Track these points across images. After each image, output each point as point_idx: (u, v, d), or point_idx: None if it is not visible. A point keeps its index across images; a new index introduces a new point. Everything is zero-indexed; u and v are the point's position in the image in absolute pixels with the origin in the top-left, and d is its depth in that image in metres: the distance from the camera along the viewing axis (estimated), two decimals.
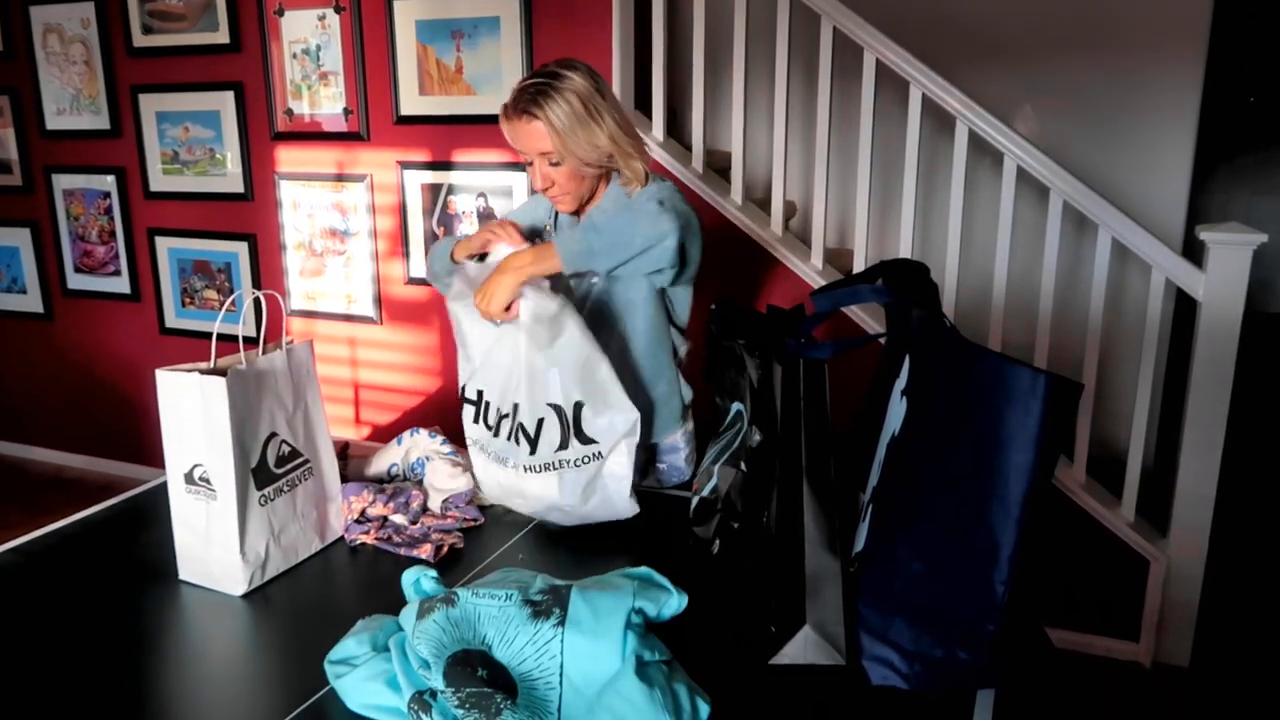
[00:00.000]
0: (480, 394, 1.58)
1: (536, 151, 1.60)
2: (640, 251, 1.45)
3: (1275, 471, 3.82)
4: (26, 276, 4.08)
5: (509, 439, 1.53)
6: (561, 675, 0.98)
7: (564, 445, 1.47)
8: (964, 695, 1.10)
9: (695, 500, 1.44)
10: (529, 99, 1.56)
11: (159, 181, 3.69)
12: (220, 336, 1.35)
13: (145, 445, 4.02)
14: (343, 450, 1.72)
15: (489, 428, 1.56)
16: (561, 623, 0.99)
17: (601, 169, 1.65)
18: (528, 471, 1.51)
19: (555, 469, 1.48)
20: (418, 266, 3.35)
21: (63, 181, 3.88)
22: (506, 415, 1.53)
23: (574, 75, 1.57)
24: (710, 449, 1.46)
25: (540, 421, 1.48)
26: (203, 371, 1.29)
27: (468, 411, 1.61)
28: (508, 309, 1.45)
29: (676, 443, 1.82)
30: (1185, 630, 2.67)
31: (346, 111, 3.31)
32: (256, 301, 1.43)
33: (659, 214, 1.46)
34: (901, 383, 1.14)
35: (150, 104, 3.61)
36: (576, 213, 1.72)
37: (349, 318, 3.51)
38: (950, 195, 2.71)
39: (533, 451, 1.49)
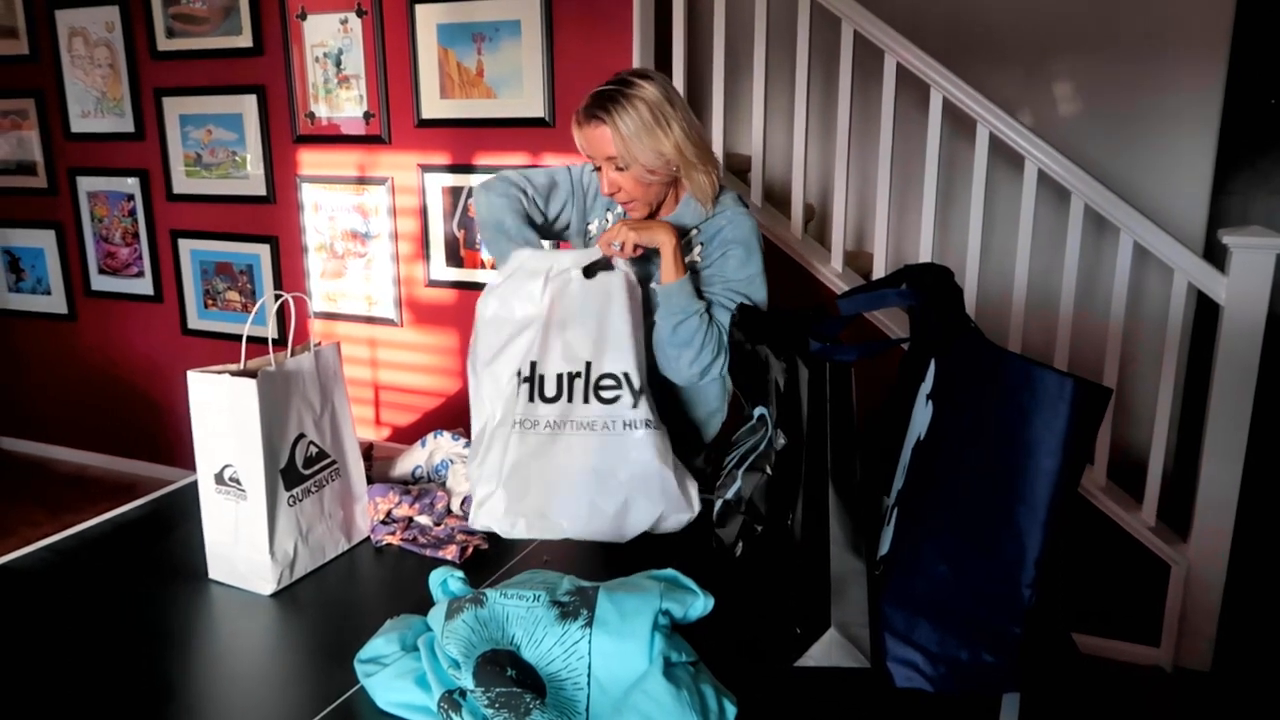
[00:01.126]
0: (558, 375, 1.53)
1: (603, 156, 1.64)
2: (685, 345, 1.64)
3: None
4: (50, 277, 4.12)
5: (608, 401, 1.52)
6: (589, 676, 0.99)
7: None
8: (989, 698, 1.10)
9: (718, 503, 1.45)
10: (598, 104, 1.61)
11: (182, 184, 3.72)
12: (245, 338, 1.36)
13: (167, 445, 4.05)
14: (367, 451, 1.73)
15: (585, 398, 1.52)
16: (589, 624, 1.00)
17: (668, 178, 1.68)
18: (628, 428, 1.50)
19: (652, 427, 1.52)
20: (439, 269, 3.36)
21: (87, 183, 3.92)
22: (591, 373, 1.53)
23: (645, 84, 1.61)
24: (731, 453, 1.46)
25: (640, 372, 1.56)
26: (233, 373, 1.30)
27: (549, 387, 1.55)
28: (634, 248, 1.60)
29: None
30: (1206, 635, 2.66)
31: (368, 115, 3.33)
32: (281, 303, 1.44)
33: (710, 359, 1.65)
34: (927, 387, 1.15)
35: (173, 107, 3.65)
36: (651, 216, 1.73)
37: (370, 319, 3.53)
38: (970, 198, 2.70)
39: (634, 405, 1.51)
